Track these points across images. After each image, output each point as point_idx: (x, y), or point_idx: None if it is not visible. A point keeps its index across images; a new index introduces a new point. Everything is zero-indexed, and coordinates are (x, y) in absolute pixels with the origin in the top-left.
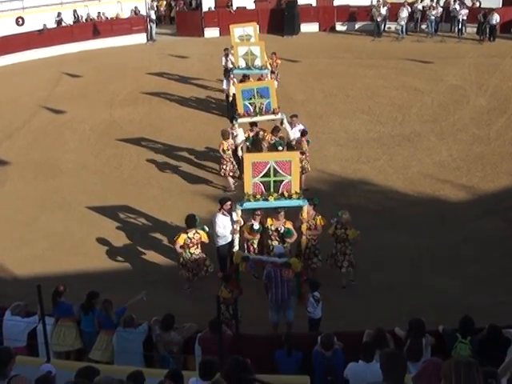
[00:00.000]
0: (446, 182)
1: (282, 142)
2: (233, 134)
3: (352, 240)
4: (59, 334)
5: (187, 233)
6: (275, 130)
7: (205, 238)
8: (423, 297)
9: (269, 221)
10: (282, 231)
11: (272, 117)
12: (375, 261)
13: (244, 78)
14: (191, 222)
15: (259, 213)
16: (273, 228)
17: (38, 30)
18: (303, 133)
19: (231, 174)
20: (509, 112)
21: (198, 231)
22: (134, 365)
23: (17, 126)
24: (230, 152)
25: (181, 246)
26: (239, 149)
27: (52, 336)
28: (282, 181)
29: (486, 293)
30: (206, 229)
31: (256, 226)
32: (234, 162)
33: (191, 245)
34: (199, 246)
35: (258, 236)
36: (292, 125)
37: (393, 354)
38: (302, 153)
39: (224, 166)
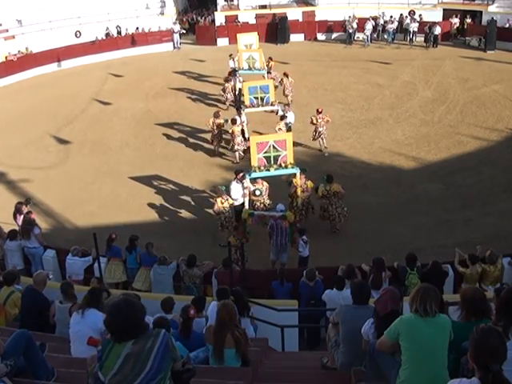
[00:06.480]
0: (401, 155)
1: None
2: (240, 119)
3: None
4: (110, 270)
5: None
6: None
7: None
8: (383, 240)
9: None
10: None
11: (271, 107)
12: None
13: (230, 74)
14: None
15: (260, 180)
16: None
17: (91, 41)
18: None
19: (238, 147)
20: (447, 101)
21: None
22: (166, 293)
23: (76, 114)
24: (238, 130)
25: (218, 212)
26: (246, 132)
27: (105, 271)
28: (280, 155)
29: (430, 238)
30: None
31: (258, 191)
32: (242, 138)
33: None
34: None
35: (261, 198)
36: (285, 111)
37: (360, 283)
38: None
39: (233, 141)
